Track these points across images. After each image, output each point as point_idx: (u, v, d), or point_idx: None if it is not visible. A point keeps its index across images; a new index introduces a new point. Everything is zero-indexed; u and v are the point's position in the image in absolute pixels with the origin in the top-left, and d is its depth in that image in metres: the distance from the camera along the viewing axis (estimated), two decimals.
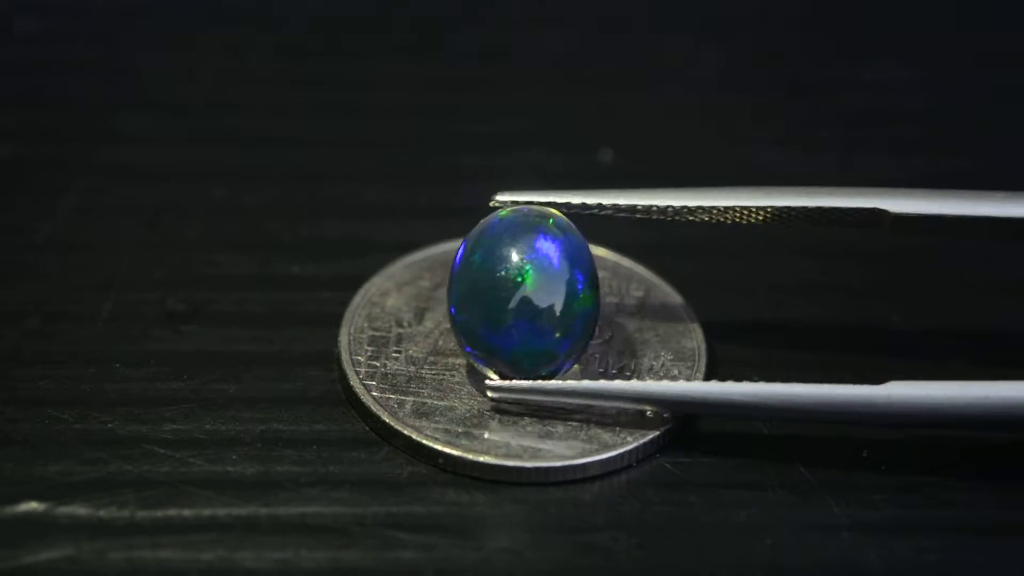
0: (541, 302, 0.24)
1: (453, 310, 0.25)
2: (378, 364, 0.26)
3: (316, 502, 0.24)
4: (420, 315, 0.27)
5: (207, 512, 0.24)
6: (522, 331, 0.24)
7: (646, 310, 0.27)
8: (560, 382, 0.25)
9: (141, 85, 0.34)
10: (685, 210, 0.26)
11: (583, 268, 0.25)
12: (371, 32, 0.36)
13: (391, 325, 0.27)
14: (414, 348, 0.26)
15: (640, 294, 0.27)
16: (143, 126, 0.32)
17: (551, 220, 0.25)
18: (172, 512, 0.24)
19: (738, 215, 0.26)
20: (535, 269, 0.24)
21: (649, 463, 0.25)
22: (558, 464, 0.24)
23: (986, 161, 0.32)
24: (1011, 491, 0.25)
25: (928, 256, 0.29)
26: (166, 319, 0.27)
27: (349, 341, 0.26)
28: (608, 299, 0.27)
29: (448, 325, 0.26)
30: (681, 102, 0.34)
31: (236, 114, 0.33)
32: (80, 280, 0.28)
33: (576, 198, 0.26)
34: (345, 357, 0.26)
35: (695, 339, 0.27)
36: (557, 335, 0.24)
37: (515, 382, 0.25)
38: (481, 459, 0.24)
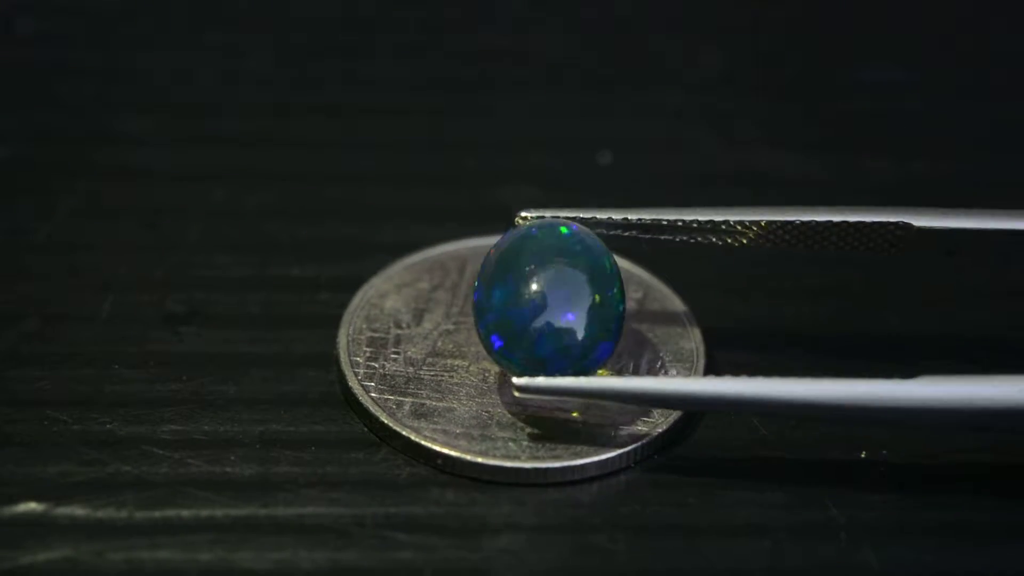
0: (568, 325, 0.24)
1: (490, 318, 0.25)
2: (377, 365, 0.26)
3: (315, 503, 0.24)
4: (419, 316, 0.27)
5: (206, 513, 0.24)
6: (553, 355, 0.24)
7: (645, 312, 0.27)
8: (589, 380, 0.24)
9: (141, 86, 0.34)
10: (709, 225, 0.26)
11: (604, 280, 0.25)
12: (370, 33, 0.36)
13: (390, 326, 0.27)
14: (413, 349, 0.26)
15: (639, 296, 0.27)
16: (142, 127, 0.32)
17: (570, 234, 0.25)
18: (171, 513, 0.24)
19: (765, 234, 0.26)
20: (557, 299, 0.24)
21: (647, 464, 0.25)
22: (556, 465, 0.24)
23: (985, 163, 0.32)
24: (1010, 492, 0.25)
25: (926, 259, 0.29)
26: (165, 320, 0.27)
27: (348, 342, 0.26)
28: None
29: (446, 327, 0.26)
30: (680, 104, 0.34)
31: (235, 115, 0.33)
32: (79, 281, 0.28)
33: (601, 214, 0.26)
34: (344, 358, 0.26)
35: (693, 341, 0.27)
36: (587, 347, 0.24)
37: (543, 380, 0.24)
38: (480, 460, 0.24)
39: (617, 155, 0.32)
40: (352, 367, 0.26)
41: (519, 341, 0.24)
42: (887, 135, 0.33)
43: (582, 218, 0.26)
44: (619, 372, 0.26)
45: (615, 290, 0.25)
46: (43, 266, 0.28)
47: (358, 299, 0.27)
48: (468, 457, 0.24)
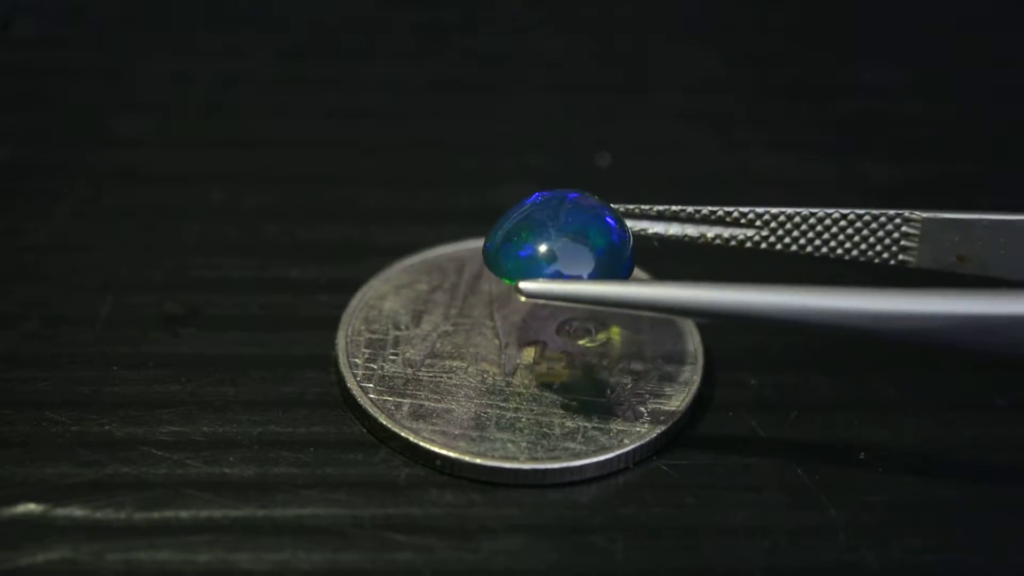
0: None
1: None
2: (375, 367, 0.26)
3: (313, 504, 0.24)
4: (417, 318, 0.27)
5: (204, 514, 0.24)
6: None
7: None
8: (592, 284, 0.24)
9: (139, 88, 0.34)
10: (714, 216, 0.26)
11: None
12: (370, 35, 0.36)
13: (388, 328, 0.27)
14: (411, 351, 0.26)
15: None
16: (142, 129, 0.32)
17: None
18: (169, 514, 0.24)
19: (772, 228, 0.26)
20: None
21: (646, 465, 0.25)
22: (555, 466, 0.24)
23: (986, 164, 0.32)
24: (1009, 492, 0.25)
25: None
26: (164, 322, 0.27)
27: (347, 344, 0.26)
28: None
29: (445, 329, 0.26)
30: (680, 106, 0.34)
31: (234, 117, 0.33)
32: (78, 283, 0.28)
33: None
34: (343, 360, 0.26)
35: (693, 341, 0.27)
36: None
37: (547, 283, 0.24)
38: (478, 461, 0.24)
39: (616, 157, 0.32)
40: (351, 368, 0.26)
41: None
42: (887, 137, 0.33)
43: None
44: (616, 373, 0.26)
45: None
46: (42, 267, 0.28)
47: (357, 301, 0.27)
48: (467, 458, 0.24)
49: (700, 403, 0.26)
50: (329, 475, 0.25)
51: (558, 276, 0.24)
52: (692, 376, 0.26)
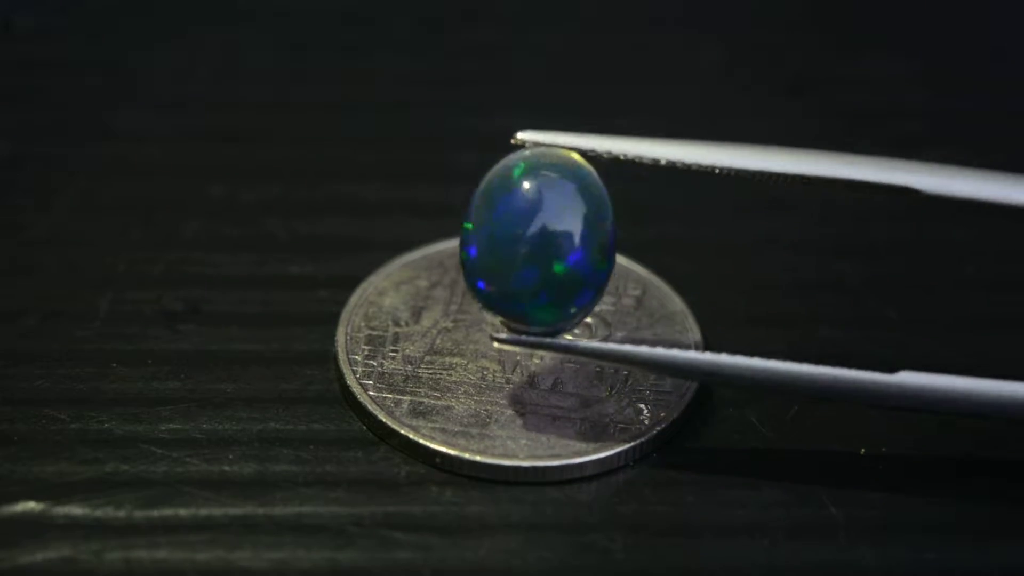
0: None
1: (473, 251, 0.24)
2: (375, 363, 0.26)
3: (313, 502, 0.24)
4: (417, 314, 0.27)
5: (204, 512, 0.24)
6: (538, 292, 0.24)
7: (643, 309, 0.27)
8: (564, 339, 0.24)
9: (139, 82, 0.34)
10: (713, 168, 0.25)
11: (592, 232, 0.24)
12: (369, 28, 0.36)
13: (388, 324, 0.27)
14: (411, 347, 0.26)
15: (637, 293, 0.27)
16: (141, 123, 0.32)
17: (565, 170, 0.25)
18: (169, 512, 0.24)
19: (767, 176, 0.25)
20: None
21: (646, 463, 0.25)
22: (555, 463, 0.24)
23: (987, 158, 0.32)
24: (1010, 491, 0.25)
25: (923, 252, 0.29)
26: (163, 318, 0.27)
27: (346, 340, 0.26)
28: (605, 298, 0.27)
29: (445, 325, 0.26)
30: (681, 99, 0.34)
31: (234, 112, 0.33)
32: (77, 279, 0.28)
33: (600, 144, 0.25)
34: (342, 356, 0.26)
35: (692, 337, 0.27)
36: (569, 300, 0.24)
37: (521, 336, 0.24)
38: (478, 458, 0.24)
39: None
40: (350, 365, 0.26)
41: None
42: (887, 131, 0.33)
43: (582, 148, 0.25)
44: (616, 370, 0.26)
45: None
46: (41, 263, 0.28)
47: (356, 297, 0.27)
48: (467, 456, 0.24)
49: (700, 400, 0.26)
50: (329, 473, 0.25)
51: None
52: None
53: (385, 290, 0.27)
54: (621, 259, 0.28)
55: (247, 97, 0.33)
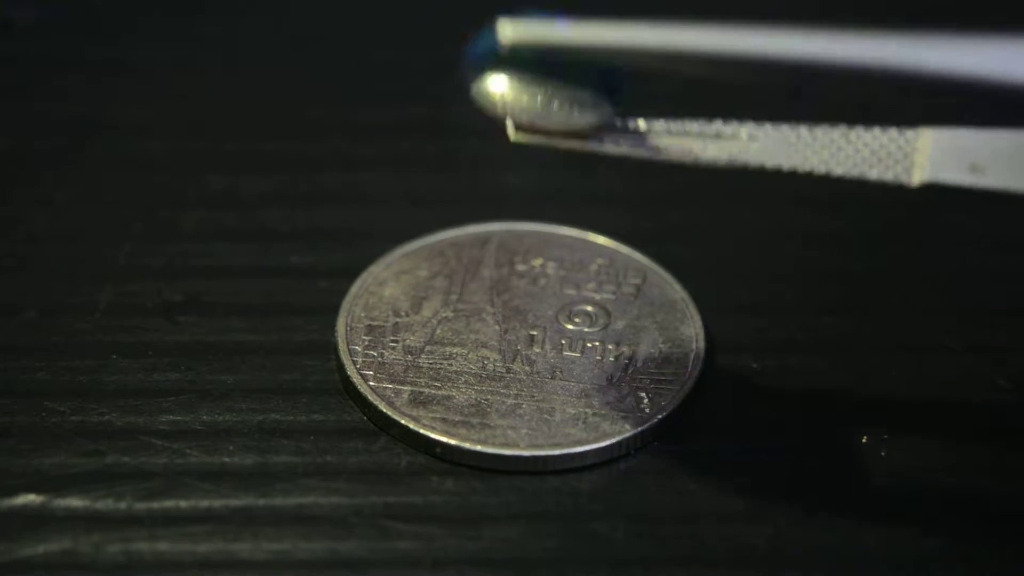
0: None
1: None
2: (375, 353, 0.26)
3: (313, 492, 0.24)
4: (418, 304, 0.27)
5: (204, 504, 0.24)
6: None
7: (644, 297, 0.27)
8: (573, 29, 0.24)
9: (139, 76, 0.34)
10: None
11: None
12: (370, 20, 0.36)
13: (388, 314, 0.27)
14: (411, 337, 0.26)
15: (638, 281, 0.27)
16: (140, 117, 0.32)
17: None
18: (169, 504, 0.24)
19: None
20: None
21: (647, 451, 0.25)
22: (556, 452, 0.24)
23: None
24: (1015, 479, 0.25)
25: (924, 239, 0.29)
26: (163, 310, 0.27)
27: (346, 331, 0.26)
28: (605, 287, 0.27)
29: (445, 315, 0.26)
30: (681, 90, 0.34)
31: (233, 105, 0.33)
32: (77, 271, 0.28)
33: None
34: (342, 347, 0.26)
35: (693, 326, 0.26)
36: None
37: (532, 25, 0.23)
38: (479, 448, 0.24)
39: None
40: (351, 355, 0.26)
41: None
42: (885, 119, 0.33)
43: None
44: (616, 359, 0.26)
45: None
46: (41, 256, 0.28)
47: (356, 287, 0.27)
48: (467, 445, 0.24)
49: (701, 388, 0.26)
50: (329, 463, 0.24)
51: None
52: (693, 360, 0.26)
53: (385, 280, 0.27)
54: (621, 248, 0.28)
55: (246, 89, 0.33)
